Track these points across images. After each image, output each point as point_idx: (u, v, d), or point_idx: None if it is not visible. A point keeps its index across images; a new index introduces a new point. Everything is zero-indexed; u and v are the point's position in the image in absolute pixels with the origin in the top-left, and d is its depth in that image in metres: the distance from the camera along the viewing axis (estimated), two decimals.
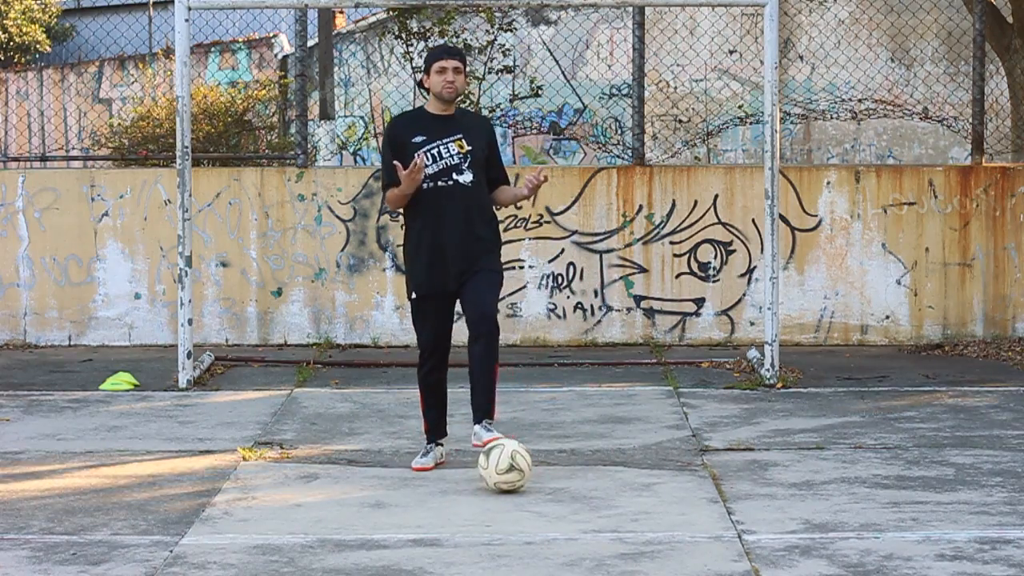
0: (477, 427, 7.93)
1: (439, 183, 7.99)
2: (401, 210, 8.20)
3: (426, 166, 7.96)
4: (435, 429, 8.25)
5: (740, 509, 7.29)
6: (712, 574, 6.27)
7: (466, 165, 8.02)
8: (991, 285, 12.62)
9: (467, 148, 8.03)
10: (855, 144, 18.44)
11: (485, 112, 13.88)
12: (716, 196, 12.59)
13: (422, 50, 13.41)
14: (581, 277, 12.58)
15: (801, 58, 18.40)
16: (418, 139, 8.01)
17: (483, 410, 7.96)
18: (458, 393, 8.51)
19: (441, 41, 13.34)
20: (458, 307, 8.13)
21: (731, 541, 6.75)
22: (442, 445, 8.27)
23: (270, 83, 16.92)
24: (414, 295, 8.11)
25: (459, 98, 8.27)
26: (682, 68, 17.98)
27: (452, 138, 8.03)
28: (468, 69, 8.31)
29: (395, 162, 7.93)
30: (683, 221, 12.60)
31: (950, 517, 7.11)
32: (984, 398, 10.20)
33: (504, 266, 8.30)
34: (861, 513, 7.18)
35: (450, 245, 7.99)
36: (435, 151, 8.01)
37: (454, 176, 8.00)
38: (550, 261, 12.53)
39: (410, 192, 7.96)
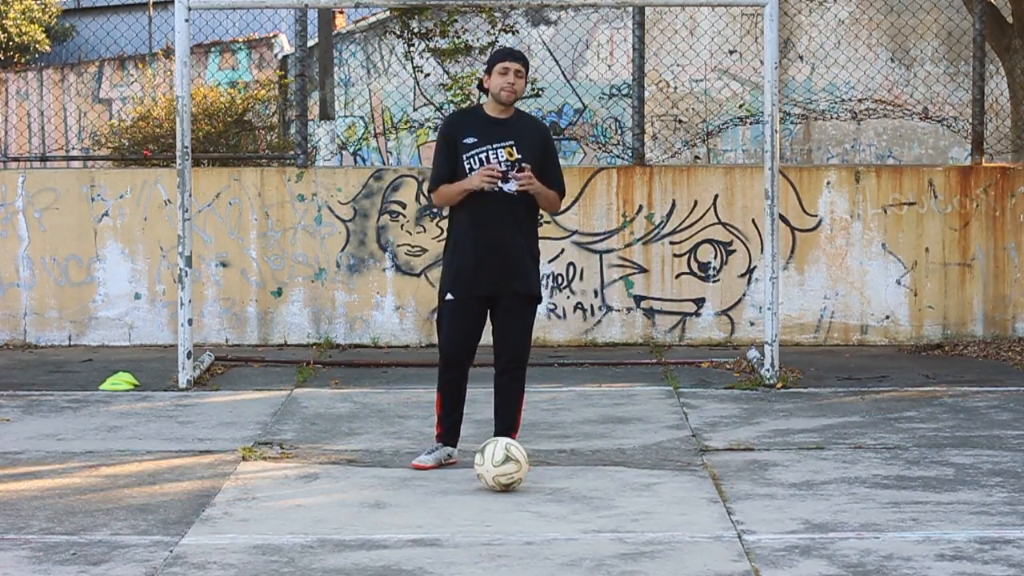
0: None
1: (484, 188, 7.94)
2: (443, 211, 8.14)
3: (472, 170, 7.94)
4: (448, 434, 8.21)
5: (740, 509, 7.29)
6: (712, 574, 6.27)
7: (517, 188, 7.92)
8: (991, 285, 12.62)
9: (516, 156, 7.95)
10: (855, 144, 18.44)
11: None
12: (716, 196, 12.59)
13: (423, 50, 13.41)
14: (581, 277, 12.59)
15: (801, 58, 18.40)
16: (469, 140, 7.96)
17: (504, 434, 8.02)
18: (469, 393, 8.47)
19: (442, 42, 13.34)
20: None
21: (731, 541, 6.75)
22: (453, 447, 8.24)
23: (270, 83, 16.92)
24: (449, 296, 8.07)
25: (516, 102, 8.09)
26: (682, 68, 17.98)
27: (503, 144, 7.95)
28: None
29: (474, 164, 7.90)
30: (683, 221, 12.60)
31: (950, 517, 7.11)
32: (984, 398, 10.20)
33: None
34: (861, 513, 7.18)
35: (487, 253, 7.94)
36: (484, 155, 7.95)
37: (499, 184, 7.92)
38: (550, 261, 12.53)
39: (469, 190, 7.91)
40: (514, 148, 7.96)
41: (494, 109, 8.03)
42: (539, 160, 8.01)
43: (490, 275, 7.97)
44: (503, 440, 7.66)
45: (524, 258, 8.04)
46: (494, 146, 7.95)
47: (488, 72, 8.04)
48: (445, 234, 8.22)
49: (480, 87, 8.20)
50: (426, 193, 12.17)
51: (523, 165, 7.93)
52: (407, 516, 7.20)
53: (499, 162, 7.94)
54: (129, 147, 15.02)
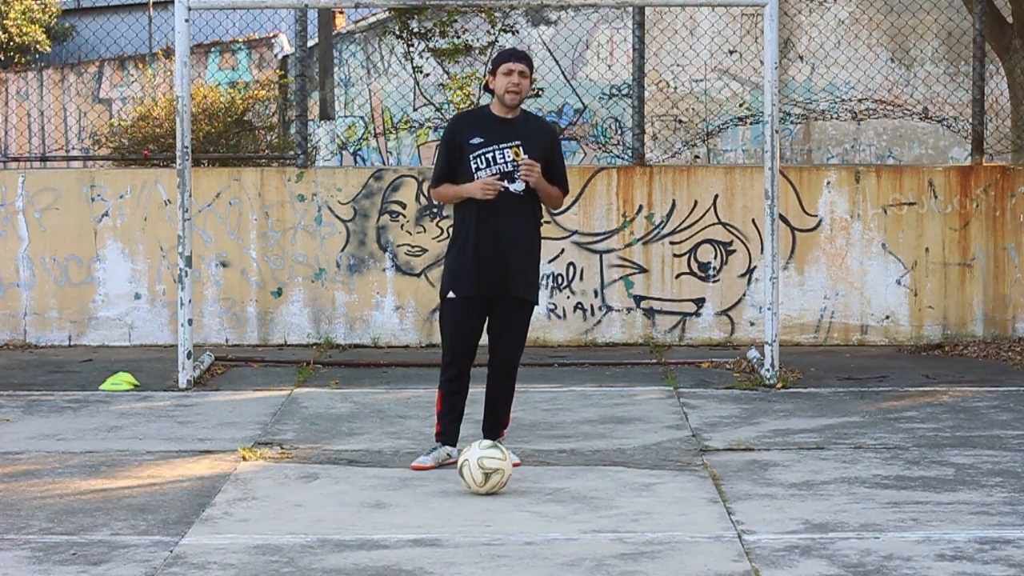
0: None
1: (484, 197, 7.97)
2: (444, 210, 8.18)
3: (479, 169, 7.98)
4: (446, 433, 8.22)
5: (740, 509, 7.30)
6: (712, 574, 6.27)
7: (519, 174, 7.98)
8: (991, 285, 12.62)
9: (523, 156, 7.98)
10: (855, 144, 18.44)
11: None
12: (716, 196, 12.59)
13: (423, 50, 13.41)
14: (581, 277, 12.58)
15: (801, 58, 18.40)
16: (476, 140, 7.99)
17: (494, 431, 8.20)
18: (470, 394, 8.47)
19: (442, 42, 13.34)
20: None
21: (731, 541, 6.75)
22: (452, 447, 8.23)
23: (270, 83, 16.91)
24: (451, 294, 8.10)
25: (522, 103, 8.12)
26: (682, 68, 17.98)
27: (510, 144, 7.98)
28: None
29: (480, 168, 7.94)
30: (683, 221, 12.60)
31: (950, 517, 7.11)
32: (984, 398, 10.20)
33: None
34: (861, 513, 7.18)
35: (490, 254, 7.98)
36: (490, 155, 7.98)
37: (505, 183, 7.97)
38: (550, 261, 12.52)
39: (466, 196, 7.99)
40: (520, 148, 8.00)
41: (500, 109, 8.06)
42: (546, 160, 8.06)
43: (491, 277, 8.00)
44: (472, 458, 7.57)
45: (525, 261, 8.09)
46: (501, 146, 7.98)
47: (492, 73, 8.09)
48: (450, 231, 8.25)
49: (485, 88, 8.25)
50: (426, 192, 12.20)
51: (526, 158, 7.95)
52: (407, 516, 7.20)
53: (506, 162, 7.98)
54: (129, 147, 15.00)
